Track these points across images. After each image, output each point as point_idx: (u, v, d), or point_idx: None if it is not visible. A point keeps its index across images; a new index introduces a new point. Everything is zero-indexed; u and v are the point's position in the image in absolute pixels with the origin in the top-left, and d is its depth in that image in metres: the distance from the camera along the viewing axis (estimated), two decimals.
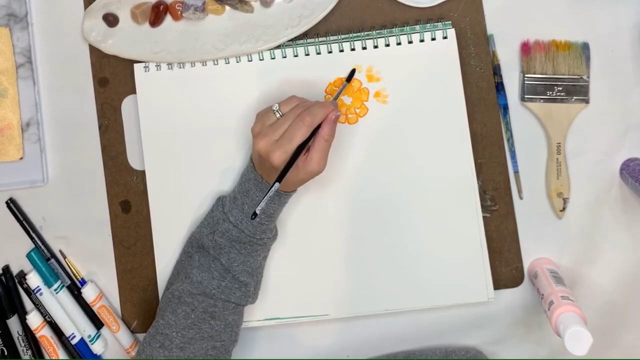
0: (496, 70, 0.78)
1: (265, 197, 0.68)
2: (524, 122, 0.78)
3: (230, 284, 0.72)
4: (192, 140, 0.78)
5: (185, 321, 0.71)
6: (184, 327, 0.71)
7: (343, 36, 0.77)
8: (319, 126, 0.69)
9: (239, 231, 0.72)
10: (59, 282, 0.80)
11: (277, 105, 0.71)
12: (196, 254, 0.74)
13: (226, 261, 0.72)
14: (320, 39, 0.78)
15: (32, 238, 0.80)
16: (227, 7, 0.78)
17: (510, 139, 0.78)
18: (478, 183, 0.77)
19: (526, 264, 0.78)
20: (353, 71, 0.77)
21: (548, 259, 0.78)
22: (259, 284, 0.76)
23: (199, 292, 0.72)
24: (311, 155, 0.69)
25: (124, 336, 0.80)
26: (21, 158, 0.81)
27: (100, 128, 0.81)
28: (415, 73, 0.77)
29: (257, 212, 0.68)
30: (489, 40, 0.78)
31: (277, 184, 0.68)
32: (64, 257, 0.81)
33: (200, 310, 0.71)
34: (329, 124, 0.69)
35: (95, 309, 0.80)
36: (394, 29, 0.77)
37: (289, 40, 0.77)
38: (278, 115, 0.70)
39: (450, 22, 0.77)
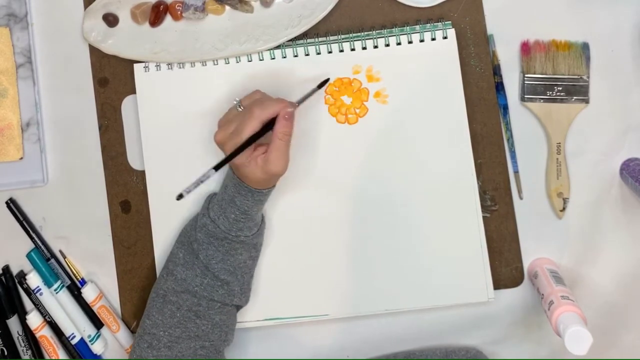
0: (496, 70, 0.78)
1: (196, 181, 0.66)
2: (524, 122, 0.78)
3: (211, 281, 0.71)
4: (192, 141, 0.78)
5: (172, 320, 0.71)
6: (170, 325, 0.71)
7: (343, 36, 0.77)
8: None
9: (215, 226, 0.71)
10: (59, 282, 0.80)
11: (238, 98, 0.71)
12: (181, 250, 0.74)
13: (204, 258, 0.71)
14: (320, 39, 0.78)
15: (32, 238, 0.80)
16: (227, 7, 0.78)
17: (510, 139, 0.78)
18: (478, 183, 0.77)
19: (526, 264, 0.78)
20: (326, 80, 0.76)
21: (548, 259, 0.78)
22: (246, 285, 0.75)
23: (183, 290, 0.71)
24: (267, 154, 0.68)
25: (124, 336, 0.80)
26: (21, 158, 0.81)
27: (100, 128, 0.81)
28: (415, 73, 0.77)
29: (183, 194, 0.65)
30: (489, 40, 0.78)
31: (212, 170, 0.67)
32: (64, 257, 0.81)
33: (185, 308, 0.71)
34: (281, 121, 0.68)
35: (95, 309, 0.80)
36: (394, 29, 0.77)
37: (289, 40, 0.77)
38: (240, 109, 0.70)
39: (450, 22, 0.77)
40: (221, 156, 0.68)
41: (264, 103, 0.69)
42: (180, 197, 0.65)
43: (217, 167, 0.67)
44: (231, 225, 0.71)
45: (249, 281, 0.76)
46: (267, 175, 0.69)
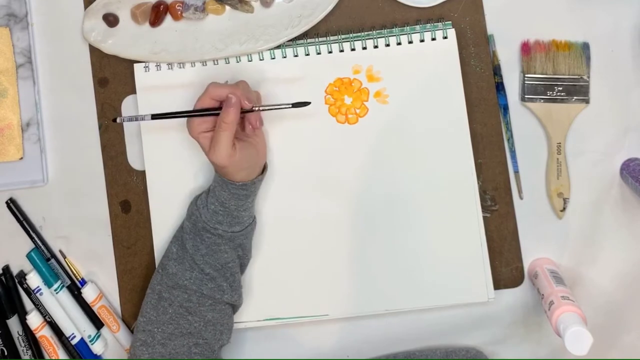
0: (496, 70, 0.78)
1: (131, 117, 0.72)
2: (524, 122, 0.78)
3: (199, 275, 0.72)
4: (192, 141, 0.78)
5: (164, 316, 0.71)
6: (163, 322, 0.71)
7: (343, 36, 0.77)
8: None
9: (199, 214, 0.72)
10: (59, 282, 0.80)
11: (227, 80, 0.75)
12: (174, 245, 0.74)
13: (190, 248, 0.72)
14: (320, 39, 0.78)
15: (32, 238, 0.80)
16: (227, 7, 0.78)
17: (511, 139, 0.78)
18: (478, 183, 0.77)
19: (526, 264, 0.78)
20: (306, 103, 0.72)
21: (548, 259, 0.78)
22: (236, 284, 0.74)
23: (174, 285, 0.72)
24: (213, 140, 0.69)
25: (124, 336, 0.80)
26: (21, 158, 0.81)
27: (100, 128, 0.81)
28: (416, 73, 0.77)
29: (117, 120, 0.73)
30: (489, 40, 0.78)
31: (149, 115, 0.71)
32: (64, 257, 0.81)
33: (177, 304, 0.71)
34: (224, 107, 0.68)
35: (95, 309, 0.80)
36: (394, 29, 0.77)
37: (289, 40, 0.77)
38: None
39: (450, 22, 0.77)
40: None
41: (223, 85, 0.70)
42: (114, 120, 0.73)
43: (154, 116, 0.71)
44: (211, 216, 0.72)
45: (238, 280, 0.75)
46: (213, 164, 0.70)
